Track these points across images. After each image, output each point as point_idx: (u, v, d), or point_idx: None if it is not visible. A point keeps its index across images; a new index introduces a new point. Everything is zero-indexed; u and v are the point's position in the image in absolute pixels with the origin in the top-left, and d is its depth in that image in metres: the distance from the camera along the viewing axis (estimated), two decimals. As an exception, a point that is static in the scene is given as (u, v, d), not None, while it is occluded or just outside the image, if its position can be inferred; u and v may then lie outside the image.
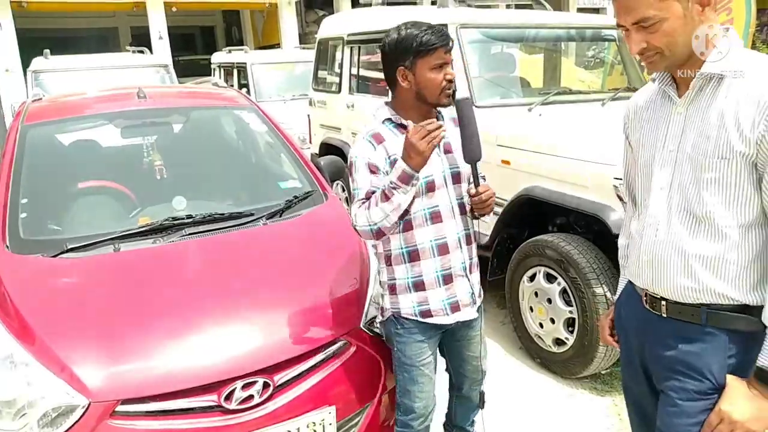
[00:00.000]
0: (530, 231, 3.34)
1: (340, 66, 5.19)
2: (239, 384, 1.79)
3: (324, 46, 5.63)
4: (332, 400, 1.92)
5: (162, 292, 2.07)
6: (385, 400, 2.08)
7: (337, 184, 5.23)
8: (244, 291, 2.09)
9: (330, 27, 5.56)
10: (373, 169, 1.77)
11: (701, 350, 1.30)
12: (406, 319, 1.86)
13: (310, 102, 5.86)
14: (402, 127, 1.80)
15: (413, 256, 1.82)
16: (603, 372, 2.98)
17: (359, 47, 4.87)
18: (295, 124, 6.44)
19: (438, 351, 2.05)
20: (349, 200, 5.15)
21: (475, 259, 1.94)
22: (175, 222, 2.39)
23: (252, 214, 2.52)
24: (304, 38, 14.24)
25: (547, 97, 3.73)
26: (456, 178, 1.86)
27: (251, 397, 1.78)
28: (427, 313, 1.84)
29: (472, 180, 1.84)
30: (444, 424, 2.34)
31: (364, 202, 1.75)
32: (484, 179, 1.92)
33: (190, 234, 2.36)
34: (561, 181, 2.99)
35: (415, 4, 5.48)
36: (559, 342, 3.00)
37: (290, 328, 1.98)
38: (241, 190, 2.88)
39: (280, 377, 1.86)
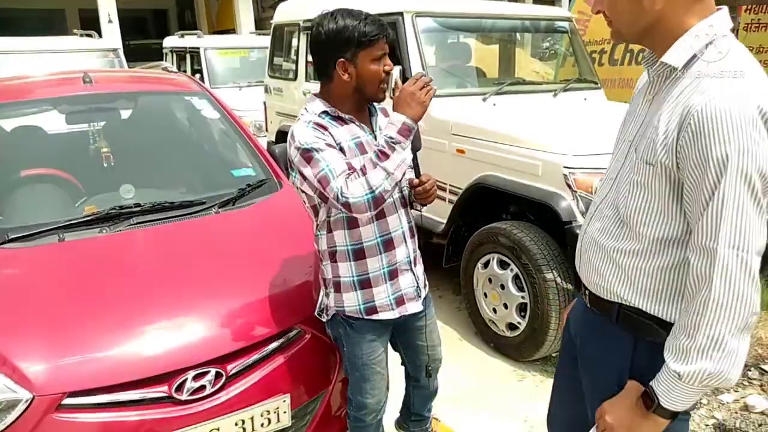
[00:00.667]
0: (485, 219, 3.40)
1: (297, 53, 5.13)
2: (191, 374, 1.75)
3: (280, 32, 5.55)
4: (287, 389, 1.91)
5: (109, 283, 2.01)
6: (340, 387, 2.09)
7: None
8: (194, 280, 2.05)
9: (286, 12, 5.48)
10: (331, 147, 1.64)
11: (610, 348, 1.28)
12: (352, 318, 1.82)
13: (266, 89, 5.77)
14: (341, 119, 1.71)
15: (358, 254, 1.76)
16: (553, 354, 3.07)
17: (315, 34, 4.81)
18: (251, 112, 6.34)
19: (391, 346, 2.05)
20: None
21: (418, 252, 1.91)
22: (123, 211, 2.32)
23: (204, 203, 2.47)
24: (260, 23, 13.97)
25: (501, 87, 3.79)
26: None
27: (203, 387, 1.76)
28: (372, 310, 1.81)
29: (413, 170, 1.82)
30: (396, 421, 2.34)
31: (349, 174, 1.61)
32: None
33: (138, 223, 2.30)
34: (513, 169, 3.05)
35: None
36: (511, 326, 3.07)
37: (243, 317, 1.96)
38: (192, 178, 2.82)
39: (233, 367, 1.84)
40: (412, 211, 1.92)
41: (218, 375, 1.79)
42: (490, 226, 3.16)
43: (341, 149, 1.68)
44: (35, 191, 2.62)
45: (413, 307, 1.88)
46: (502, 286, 3.05)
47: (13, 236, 2.17)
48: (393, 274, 1.81)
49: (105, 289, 1.99)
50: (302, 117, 1.71)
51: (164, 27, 18.41)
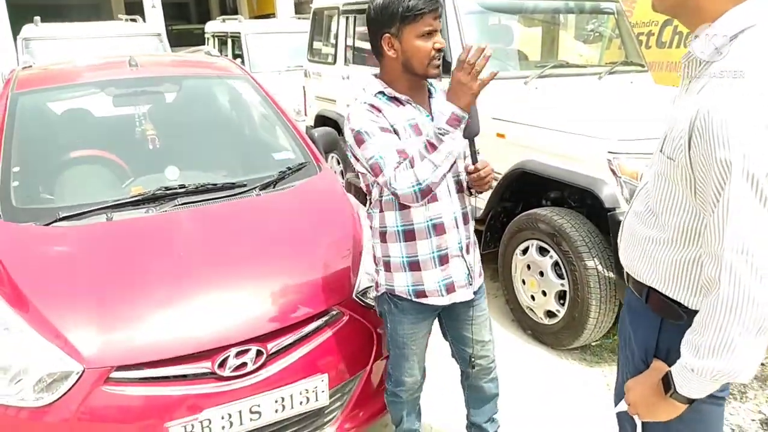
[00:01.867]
0: (524, 205, 3.35)
1: (336, 37, 5.13)
2: (233, 351, 1.80)
3: (319, 16, 5.55)
4: (325, 369, 1.94)
5: (155, 261, 2.07)
6: (377, 368, 2.11)
7: (332, 157, 5.21)
8: (237, 260, 2.09)
9: (325, -4, 5.47)
10: (385, 130, 1.64)
11: (641, 326, 1.31)
12: (400, 298, 1.82)
13: (306, 73, 5.79)
14: (396, 100, 1.70)
15: (408, 235, 1.75)
16: (593, 344, 3.03)
17: (355, 17, 4.80)
18: (290, 96, 6.38)
19: (442, 335, 2.04)
20: (344, 173, 5.13)
21: (473, 238, 1.87)
22: (168, 192, 2.38)
23: (245, 185, 2.51)
24: (300, 8, 14.00)
25: (544, 70, 3.71)
26: None
27: (244, 364, 1.80)
28: (421, 294, 1.80)
29: (469, 156, 1.77)
30: (466, 426, 2.25)
31: (400, 164, 1.60)
32: (479, 154, 1.87)
33: (183, 204, 2.35)
34: (555, 154, 2.99)
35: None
36: (550, 314, 3.04)
37: (283, 297, 1.99)
38: (234, 161, 2.87)
39: (274, 345, 1.87)
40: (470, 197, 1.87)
41: (259, 353, 1.83)
42: (529, 212, 3.11)
43: (395, 131, 1.67)
44: (84, 172, 2.71)
45: (464, 294, 1.83)
46: (541, 273, 3.01)
47: (64, 215, 2.24)
48: (443, 260, 1.78)
49: (151, 267, 2.05)
50: (359, 97, 1.71)
51: (206, 12, 18.66)
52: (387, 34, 1.64)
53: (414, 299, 1.81)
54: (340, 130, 4.94)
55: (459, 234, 1.79)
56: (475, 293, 1.87)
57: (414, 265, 1.78)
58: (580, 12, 4.51)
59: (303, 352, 1.92)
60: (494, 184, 3.34)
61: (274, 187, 2.56)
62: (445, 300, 1.82)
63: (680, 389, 1.14)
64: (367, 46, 4.98)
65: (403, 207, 1.73)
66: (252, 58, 7.79)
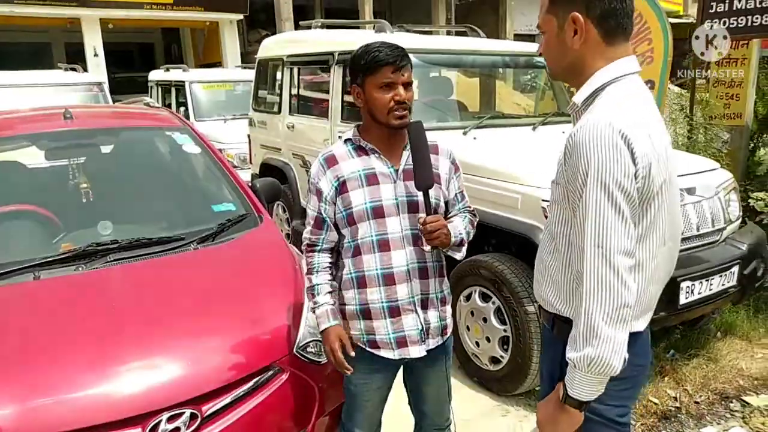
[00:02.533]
0: (467, 252, 3.40)
1: (280, 87, 5.18)
2: (165, 416, 1.72)
3: (264, 67, 5.61)
4: (264, 429, 1.88)
5: (81, 323, 1.97)
6: (320, 425, 2.06)
7: (278, 205, 5.18)
8: (170, 318, 2.02)
9: (270, 47, 5.55)
10: (318, 195, 1.80)
11: (549, 354, 1.46)
12: (355, 346, 1.82)
13: (251, 122, 5.80)
14: (361, 149, 1.77)
15: (361, 282, 1.77)
16: (536, 388, 3.05)
17: (299, 68, 4.88)
18: (235, 144, 6.36)
19: (404, 385, 2.02)
20: (290, 221, 5.11)
21: (435, 295, 1.81)
22: (99, 248, 2.30)
23: (182, 239, 2.45)
24: (246, 57, 14.10)
25: (482, 121, 3.85)
26: (413, 206, 1.75)
27: (178, 429, 1.72)
28: (374, 344, 1.79)
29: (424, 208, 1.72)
30: None
31: (311, 246, 1.85)
32: (475, 215, 1.96)
33: (115, 260, 2.27)
34: (494, 202, 3.07)
35: (357, 28, 5.54)
36: (494, 360, 3.06)
37: (219, 356, 1.93)
38: (171, 214, 2.80)
39: (209, 407, 1.80)
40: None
41: (193, 416, 1.76)
42: (471, 258, 3.16)
43: (343, 183, 1.74)
44: (12, 228, 2.59)
45: (416, 351, 1.80)
46: (485, 319, 3.05)
47: (-14, 275, 2.13)
48: (393, 312, 1.76)
49: (78, 329, 1.95)
50: (323, 151, 1.85)
51: (151, 60, 18.51)
52: (355, 85, 1.75)
53: (368, 349, 1.80)
54: (285, 179, 4.95)
55: (411, 288, 1.76)
56: (430, 351, 1.82)
57: (366, 313, 1.78)
58: (514, 66, 4.74)
59: (241, 413, 1.85)
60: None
61: (212, 240, 2.51)
62: (396, 354, 1.79)
63: (570, 391, 1.28)
64: (311, 95, 5.06)
65: (355, 254, 1.76)
66: (196, 107, 7.75)
